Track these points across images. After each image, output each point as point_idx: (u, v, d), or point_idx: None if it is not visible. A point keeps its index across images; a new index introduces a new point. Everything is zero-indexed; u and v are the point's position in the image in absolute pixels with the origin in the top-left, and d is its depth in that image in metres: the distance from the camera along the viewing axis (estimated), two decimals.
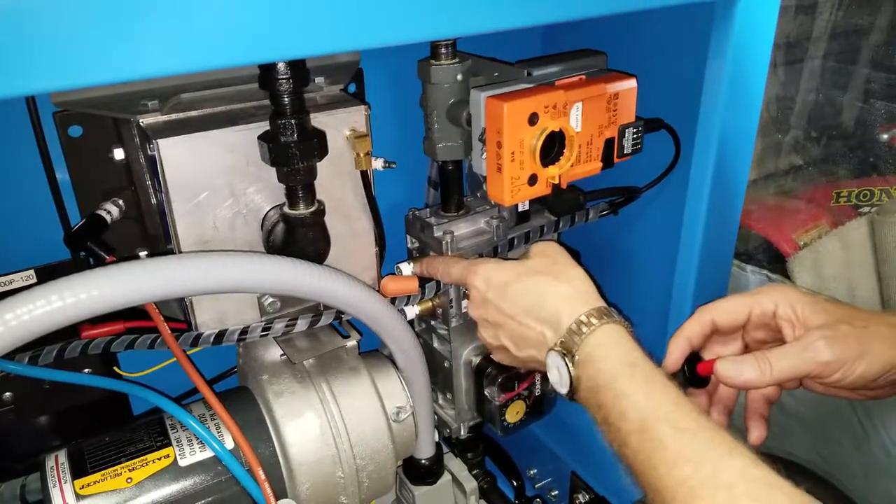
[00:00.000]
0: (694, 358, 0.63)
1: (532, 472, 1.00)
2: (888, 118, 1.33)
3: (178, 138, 0.64)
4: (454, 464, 0.93)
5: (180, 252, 0.68)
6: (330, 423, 0.72)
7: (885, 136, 1.36)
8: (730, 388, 0.66)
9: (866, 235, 1.35)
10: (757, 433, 0.64)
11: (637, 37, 0.76)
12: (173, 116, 0.68)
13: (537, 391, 0.84)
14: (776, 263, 1.28)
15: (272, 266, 0.58)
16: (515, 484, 0.99)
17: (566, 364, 0.61)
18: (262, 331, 0.70)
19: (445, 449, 0.96)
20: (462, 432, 0.89)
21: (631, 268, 0.86)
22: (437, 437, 0.87)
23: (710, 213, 0.74)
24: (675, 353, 0.63)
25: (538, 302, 0.64)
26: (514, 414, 0.83)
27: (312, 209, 0.65)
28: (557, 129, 0.65)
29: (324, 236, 0.68)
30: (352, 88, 0.82)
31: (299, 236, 0.65)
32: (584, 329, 0.61)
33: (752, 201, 1.36)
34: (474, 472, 0.95)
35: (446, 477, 0.90)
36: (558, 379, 0.62)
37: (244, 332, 0.70)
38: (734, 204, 0.76)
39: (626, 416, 0.54)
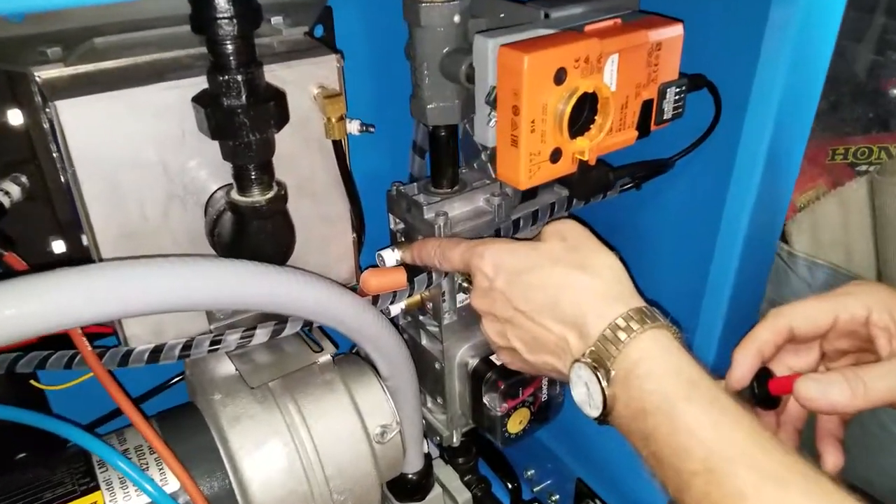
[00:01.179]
0: (764, 373, 0.50)
1: (529, 473, 0.88)
2: None
3: (86, 99, 0.48)
4: (445, 472, 0.81)
5: (97, 247, 0.53)
6: (299, 452, 0.59)
7: (895, 92, 1.25)
8: (800, 407, 0.53)
9: (865, 197, 1.26)
10: (833, 459, 0.52)
11: None
12: (81, 69, 0.52)
13: (543, 396, 0.72)
14: None
15: (204, 275, 0.43)
16: (511, 487, 0.87)
17: (598, 381, 0.48)
18: (211, 345, 0.56)
19: (434, 454, 0.84)
20: (454, 440, 0.76)
21: (654, 250, 0.73)
22: (426, 448, 0.74)
23: (763, 189, 0.60)
24: (743, 366, 0.51)
25: (556, 299, 0.51)
26: (516, 423, 0.71)
27: (270, 195, 0.50)
28: (591, 91, 0.50)
29: (286, 228, 0.54)
30: (318, 31, 0.66)
31: (253, 230, 0.50)
32: (622, 336, 0.48)
33: None
34: (466, 478, 0.83)
35: (436, 490, 0.78)
36: (587, 399, 0.49)
37: (187, 346, 0.56)
38: (789, 178, 0.63)
39: (688, 453, 0.42)
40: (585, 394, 0.49)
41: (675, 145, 0.64)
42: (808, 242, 1.17)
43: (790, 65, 0.55)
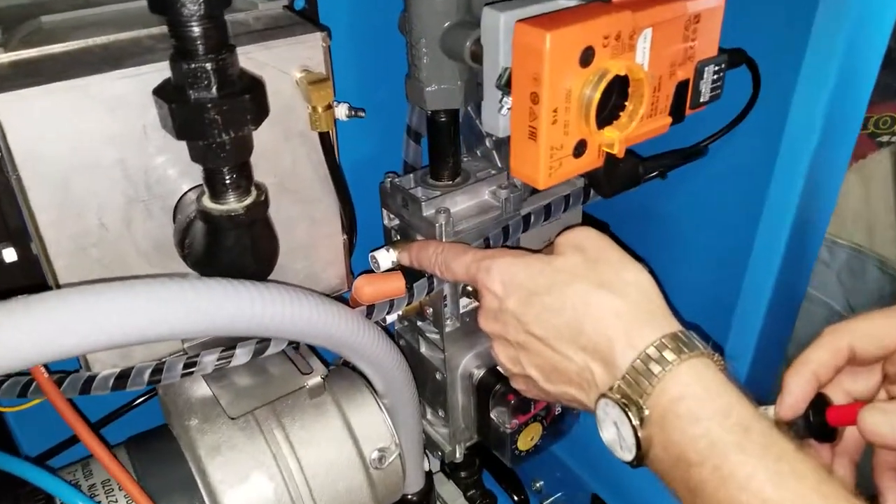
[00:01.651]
0: (820, 400, 0.44)
1: (537, 484, 0.82)
2: None
3: (29, 92, 0.41)
4: (446, 489, 0.75)
5: (49, 262, 0.45)
6: (288, 486, 0.52)
7: None
8: (858, 436, 0.47)
9: (889, 170, 1.21)
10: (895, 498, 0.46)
11: None
12: (23, 54, 0.44)
13: (557, 409, 0.65)
14: None
15: (172, 303, 0.36)
16: (518, 500, 0.81)
17: (629, 420, 0.41)
18: (185, 368, 0.49)
19: (435, 468, 0.78)
20: (457, 455, 0.70)
21: (681, 244, 0.66)
22: (427, 465, 0.67)
23: (812, 175, 0.53)
24: (797, 392, 0.44)
25: (577, 323, 0.44)
26: (527, 440, 0.64)
27: (248, 201, 0.43)
28: (622, 73, 0.43)
29: (267, 237, 0.46)
30: (299, 3, 0.58)
31: (229, 242, 0.43)
32: (656, 369, 0.41)
33: None
34: (470, 493, 0.77)
35: None
36: (617, 439, 0.43)
37: (157, 370, 0.49)
38: (841, 161, 0.56)
39: None
40: (615, 434, 0.43)
41: (704, 125, 0.56)
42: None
43: (848, 36, 0.48)
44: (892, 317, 0.44)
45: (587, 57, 0.41)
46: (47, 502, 0.51)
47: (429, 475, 0.68)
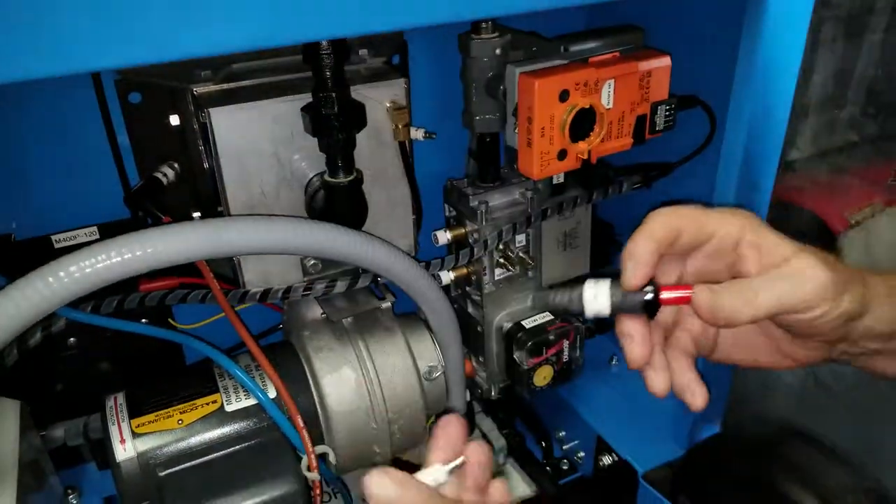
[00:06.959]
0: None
1: (560, 434, 1.04)
2: None
3: (229, 108, 0.69)
4: (485, 422, 0.98)
5: (230, 215, 0.73)
6: (365, 377, 0.77)
7: None
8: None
9: None
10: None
11: (675, 14, 0.77)
12: (224, 86, 0.72)
13: (565, 357, 0.88)
14: (826, 242, 1.27)
15: (313, 230, 0.63)
16: (544, 445, 1.03)
17: None
18: (304, 291, 0.75)
19: (478, 408, 1.01)
20: (493, 393, 0.93)
21: None
22: (468, 397, 0.91)
23: (740, 191, 0.75)
24: (644, 259, 0.47)
25: None
26: (541, 378, 0.87)
27: (351, 178, 0.69)
28: (588, 106, 0.67)
29: (360, 203, 0.73)
30: (395, 60, 0.85)
31: (338, 203, 0.70)
32: None
33: (805, 178, 1.34)
34: (504, 431, 0.99)
35: (476, 434, 0.95)
36: None
37: (287, 291, 0.75)
38: (765, 182, 0.77)
39: None
40: None
41: (680, 155, 0.79)
42: (860, 257, 1.25)
43: (760, 86, 0.70)
44: (710, 215, 0.48)
45: (564, 96, 0.66)
46: (208, 373, 0.77)
47: (470, 405, 0.91)
